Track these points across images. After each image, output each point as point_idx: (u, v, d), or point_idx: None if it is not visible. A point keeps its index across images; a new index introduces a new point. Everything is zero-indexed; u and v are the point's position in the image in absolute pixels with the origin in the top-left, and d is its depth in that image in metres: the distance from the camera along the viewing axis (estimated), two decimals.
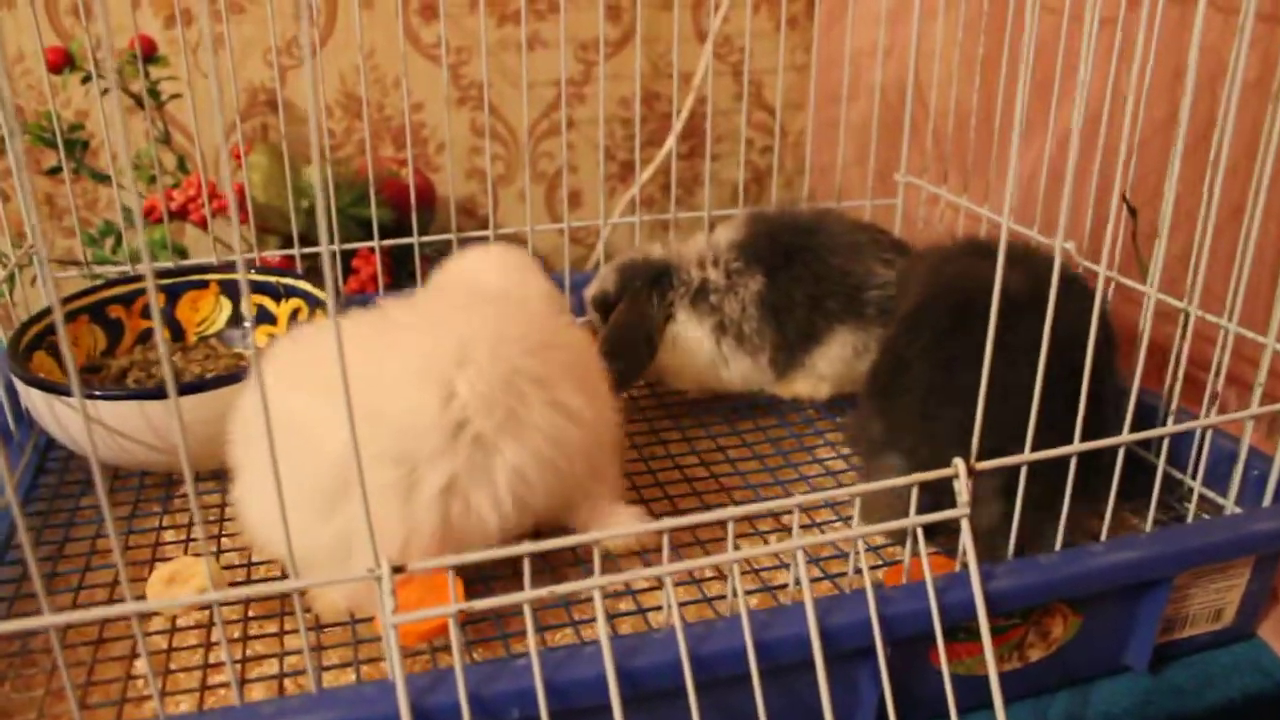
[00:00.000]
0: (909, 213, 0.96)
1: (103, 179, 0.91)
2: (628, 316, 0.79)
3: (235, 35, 1.03)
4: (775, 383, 0.81)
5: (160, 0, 1.00)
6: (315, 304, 0.77)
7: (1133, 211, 0.69)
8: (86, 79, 0.91)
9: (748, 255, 0.79)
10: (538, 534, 0.59)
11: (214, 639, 0.57)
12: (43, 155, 0.97)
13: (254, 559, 0.64)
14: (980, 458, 0.52)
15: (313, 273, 0.83)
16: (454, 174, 1.12)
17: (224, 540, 0.66)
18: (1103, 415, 0.58)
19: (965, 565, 0.52)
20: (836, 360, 0.78)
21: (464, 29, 1.07)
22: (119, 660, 0.56)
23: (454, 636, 0.46)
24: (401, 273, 0.94)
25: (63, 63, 0.90)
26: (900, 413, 0.62)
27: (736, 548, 0.50)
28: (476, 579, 0.59)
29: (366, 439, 0.43)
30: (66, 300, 0.77)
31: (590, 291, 0.85)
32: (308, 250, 0.86)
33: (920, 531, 0.52)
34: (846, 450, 0.77)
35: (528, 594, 0.47)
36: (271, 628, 0.58)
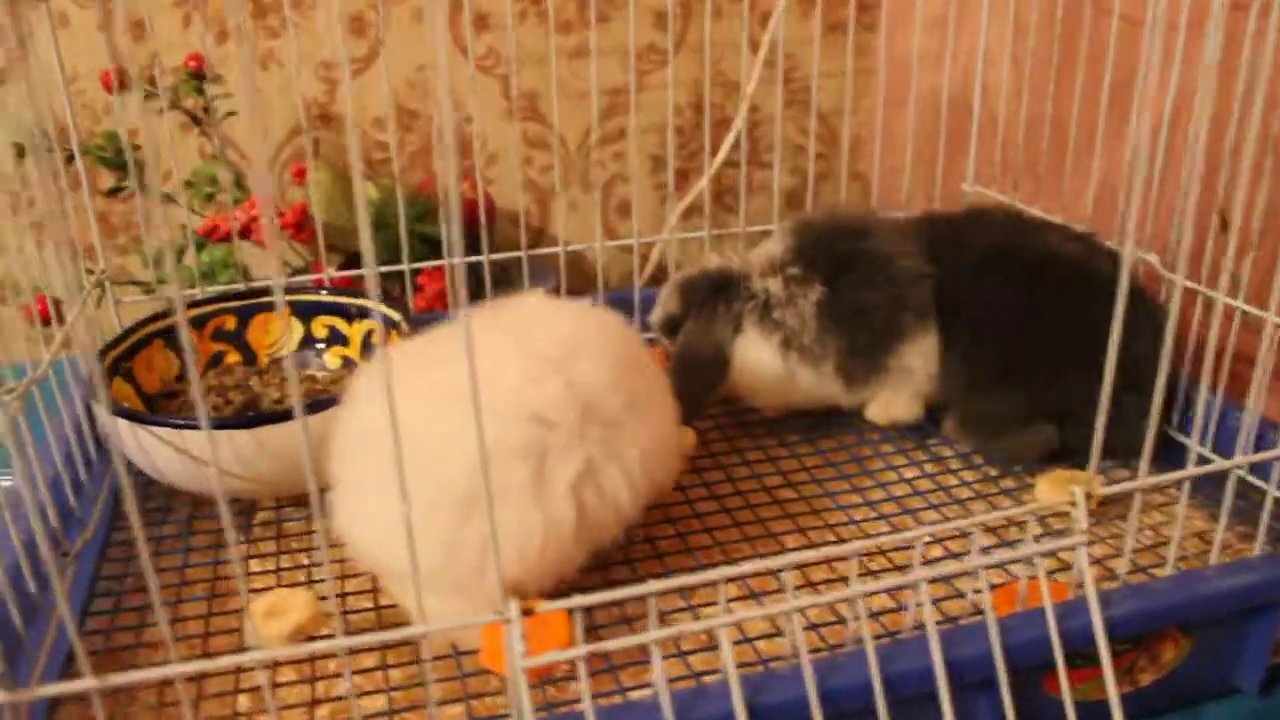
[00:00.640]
0: None
1: (164, 199, 0.91)
2: (695, 336, 0.78)
3: (287, 51, 1.02)
4: (848, 393, 0.79)
5: (212, 17, 1.00)
6: (390, 325, 0.76)
7: (1224, 224, 0.68)
8: (146, 98, 0.90)
9: (803, 263, 0.78)
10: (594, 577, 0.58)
11: (316, 672, 0.56)
12: (96, 175, 0.97)
13: (346, 589, 0.63)
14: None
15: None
16: (508, 187, 1.11)
17: (314, 570, 0.66)
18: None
19: (1081, 591, 0.52)
20: (931, 358, 0.77)
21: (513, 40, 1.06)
22: (219, 697, 0.55)
23: (583, 680, 0.45)
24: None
25: (119, 83, 0.89)
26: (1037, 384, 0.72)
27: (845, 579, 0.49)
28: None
29: (496, 438, 0.42)
30: (140, 325, 0.76)
31: (655, 316, 0.84)
32: (380, 269, 0.86)
33: (1041, 562, 0.51)
34: (928, 464, 0.76)
35: (654, 634, 0.46)
36: (369, 661, 0.58)
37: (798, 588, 0.61)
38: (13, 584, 0.56)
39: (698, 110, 1.13)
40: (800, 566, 0.48)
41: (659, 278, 1.05)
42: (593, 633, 0.57)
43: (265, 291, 0.81)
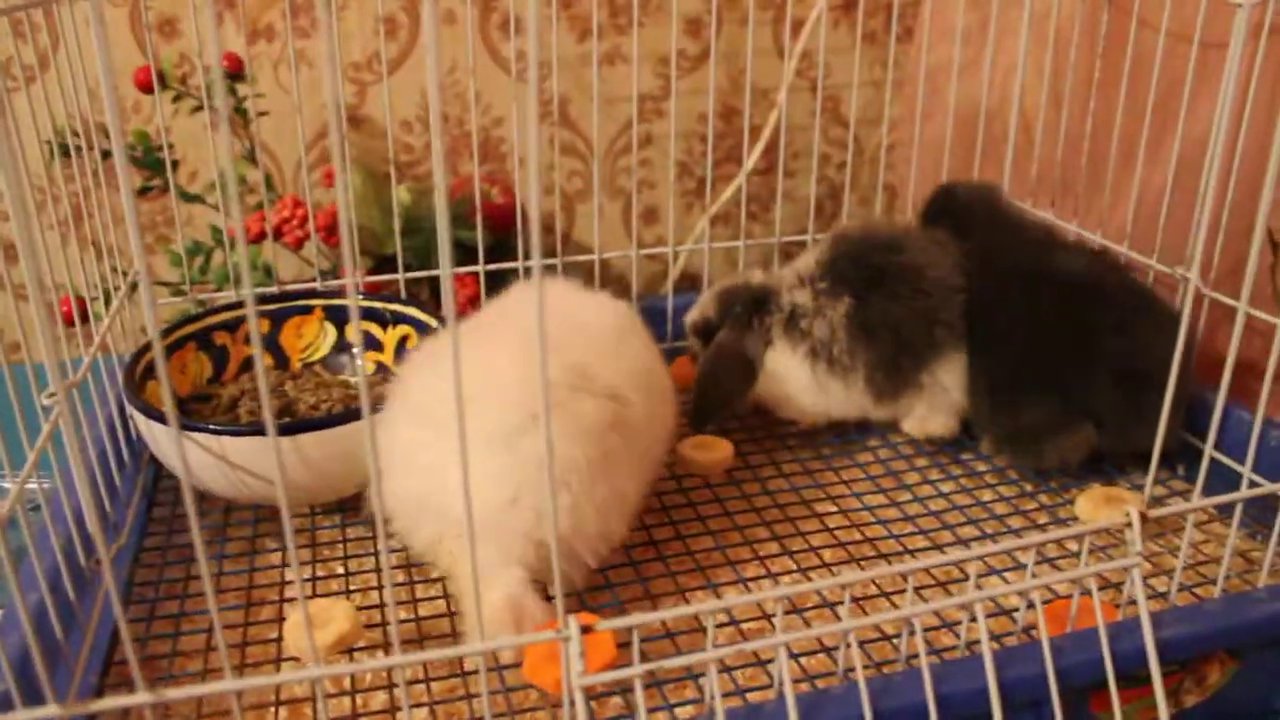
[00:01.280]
0: None
1: (194, 199, 0.90)
2: (728, 343, 0.78)
3: (315, 51, 1.01)
4: (878, 406, 0.79)
5: (245, 16, 0.99)
6: (425, 330, 0.76)
7: (1276, 246, 0.68)
8: (177, 98, 0.90)
9: (834, 276, 0.77)
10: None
11: (358, 685, 0.56)
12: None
13: (384, 599, 0.63)
14: None
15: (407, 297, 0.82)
16: (537, 192, 1.11)
17: (351, 579, 0.65)
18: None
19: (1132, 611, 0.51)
20: (962, 373, 0.76)
21: (543, 44, 1.06)
22: (256, 710, 0.55)
23: (639, 698, 0.44)
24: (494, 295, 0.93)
25: (153, 82, 0.89)
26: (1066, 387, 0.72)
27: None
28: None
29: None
30: (174, 327, 0.75)
31: (691, 317, 0.84)
32: (414, 275, 0.85)
33: (1094, 583, 0.51)
34: (964, 478, 0.76)
35: (712, 653, 0.45)
36: (409, 672, 0.57)
37: (837, 602, 0.61)
38: (51, 589, 0.56)
39: (722, 118, 1.13)
40: (847, 585, 0.47)
41: (678, 286, 1.05)
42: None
43: (298, 295, 0.80)
